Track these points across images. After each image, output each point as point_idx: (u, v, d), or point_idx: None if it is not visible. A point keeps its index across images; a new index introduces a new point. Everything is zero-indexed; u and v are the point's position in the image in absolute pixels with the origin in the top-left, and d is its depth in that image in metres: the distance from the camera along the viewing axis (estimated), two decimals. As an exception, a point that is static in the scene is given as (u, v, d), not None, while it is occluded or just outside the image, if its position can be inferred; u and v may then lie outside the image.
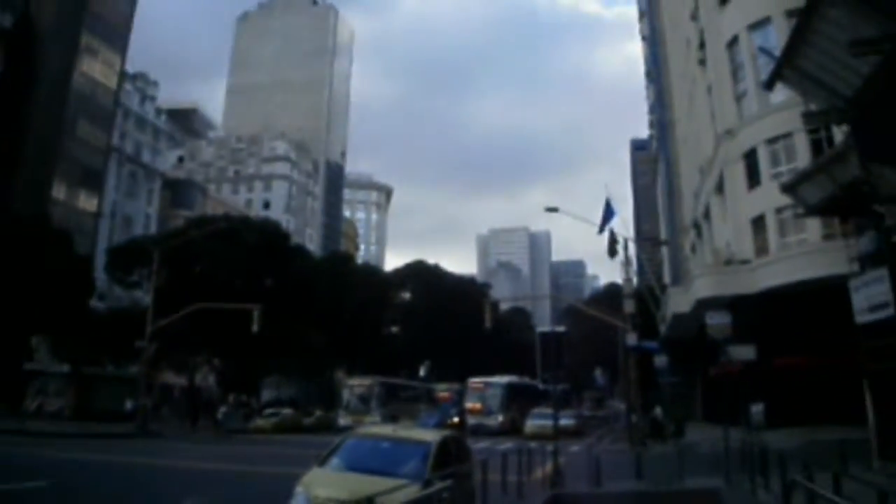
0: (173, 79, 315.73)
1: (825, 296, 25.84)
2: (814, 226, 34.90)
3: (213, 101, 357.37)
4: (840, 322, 23.21)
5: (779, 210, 36.08)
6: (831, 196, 22.22)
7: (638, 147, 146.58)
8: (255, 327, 46.49)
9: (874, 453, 21.87)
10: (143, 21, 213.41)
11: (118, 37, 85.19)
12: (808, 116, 19.15)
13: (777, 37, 33.57)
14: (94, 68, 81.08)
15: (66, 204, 74.83)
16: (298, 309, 62.53)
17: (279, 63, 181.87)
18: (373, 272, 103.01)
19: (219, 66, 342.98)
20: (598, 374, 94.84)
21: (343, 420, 53.68)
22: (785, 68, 18.61)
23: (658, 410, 45.05)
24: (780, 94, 31.00)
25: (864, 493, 11.45)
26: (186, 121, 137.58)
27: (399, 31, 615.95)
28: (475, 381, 60.29)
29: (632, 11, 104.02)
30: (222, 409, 54.24)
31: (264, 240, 64.58)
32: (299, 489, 11.74)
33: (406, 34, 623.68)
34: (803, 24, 16.16)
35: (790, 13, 30.27)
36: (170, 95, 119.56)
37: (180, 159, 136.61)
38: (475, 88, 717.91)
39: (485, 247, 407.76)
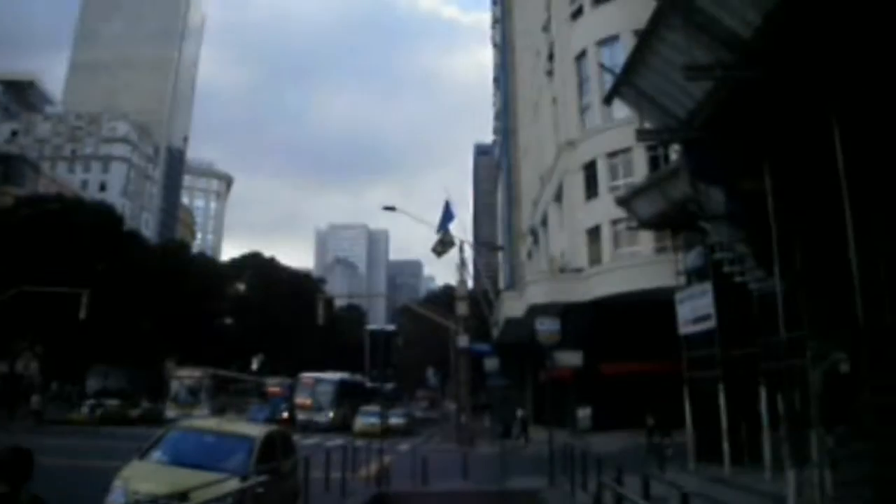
0: (10, 49, 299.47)
1: (654, 306, 26.82)
2: (647, 239, 36.15)
3: (54, 75, 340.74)
4: (666, 331, 24.23)
5: (614, 222, 37.21)
6: (662, 211, 23.19)
7: (482, 152, 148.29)
8: (82, 313, 44.87)
9: (691, 456, 22.94)
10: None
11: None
12: (641, 133, 19.78)
13: (625, 54, 34.42)
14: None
15: None
16: (130, 296, 60.43)
17: (125, 41, 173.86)
18: (209, 262, 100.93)
19: (62, 40, 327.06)
20: (431, 374, 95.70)
21: (171, 412, 52.20)
22: (623, 86, 19.19)
23: (521, 413, 44.99)
24: (623, 109, 31.74)
25: (669, 493, 12.27)
26: (23, 94, 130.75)
27: (254, 19, 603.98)
28: (306, 377, 59.61)
29: (488, 18, 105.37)
30: (34, 398, 51.55)
31: (98, 223, 61.91)
32: (118, 483, 11.37)
33: (261, 23, 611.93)
34: (643, 44, 16.66)
35: (638, 32, 31.25)
36: (6, 66, 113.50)
37: (14, 133, 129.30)
38: (327, 83, 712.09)
39: (323, 242, 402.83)
